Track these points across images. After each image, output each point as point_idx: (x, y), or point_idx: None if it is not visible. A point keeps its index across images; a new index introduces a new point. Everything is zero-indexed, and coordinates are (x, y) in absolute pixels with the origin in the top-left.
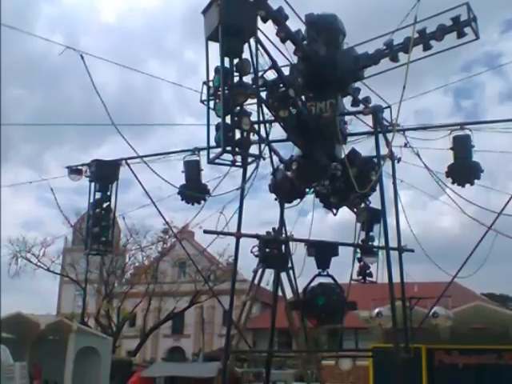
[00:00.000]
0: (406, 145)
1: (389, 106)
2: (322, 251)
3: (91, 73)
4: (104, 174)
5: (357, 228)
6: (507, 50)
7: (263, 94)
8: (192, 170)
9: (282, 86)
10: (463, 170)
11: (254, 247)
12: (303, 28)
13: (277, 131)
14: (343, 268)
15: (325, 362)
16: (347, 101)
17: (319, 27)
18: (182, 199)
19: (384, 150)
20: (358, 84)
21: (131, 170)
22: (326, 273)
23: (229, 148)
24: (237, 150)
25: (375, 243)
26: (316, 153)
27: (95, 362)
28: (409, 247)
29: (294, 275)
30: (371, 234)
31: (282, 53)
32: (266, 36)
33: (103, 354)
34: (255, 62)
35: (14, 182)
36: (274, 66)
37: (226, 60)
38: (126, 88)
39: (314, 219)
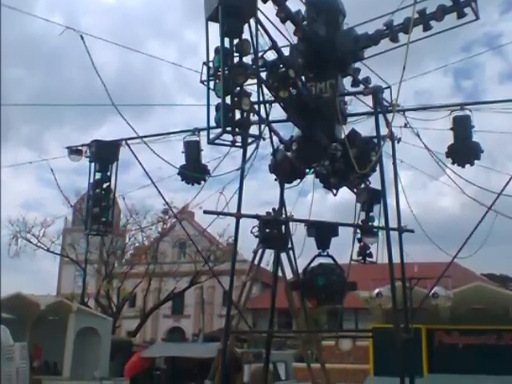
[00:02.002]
0: (405, 125)
1: (389, 87)
2: (322, 232)
3: (91, 53)
4: (104, 154)
5: (357, 208)
6: (507, 31)
7: (263, 75)
8: (192, 150)
9: (281, 66)
10: (463, 150)
11: (254, 227)
12: (303, 8)
13: (277, 112)
14: (343, 248)
15: (325, 343)
16: (347, 81)
17: (319, 8)
18: (182, 179)
19: (384, 131)
20: (357, 64)
21: (131, 150)
22: (325, 253)
23: (229, 128)
24: (237, 130)
25: (375, 223)
26: (316, 133)
27: (95, 342)
28: (409, 227)
29: (293, 255)
30: (371, 214)
31: (281, 33)
32: (266, 16)
33: (103, 335)
34: (255, 43)
35: (13, 162)
36: (274, 46)
37: (226, 40)
38: (126, 68)
39: (313, 200)
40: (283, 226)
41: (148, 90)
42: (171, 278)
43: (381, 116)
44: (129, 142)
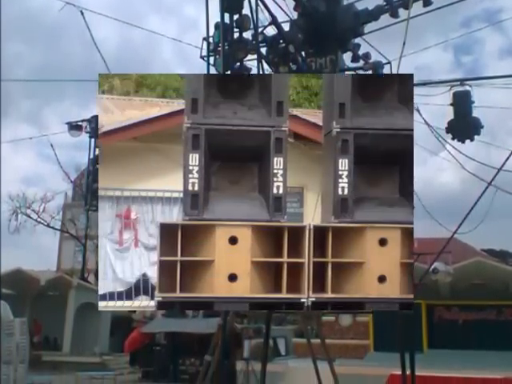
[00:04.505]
0: None
1: (389, 62)
2: None
3: (91, 28)
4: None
5: None
6: (507, 6)
7: (263, 50)
8: None
9: (281, 41)
10: (463, 125)
11: None
12: None
13: None
14: None
15: (325, 318)
16: (347, 57)
17: None
18: None
19: None
20: (357, 40)
21: None
22: None
23: None
24: None
25: None
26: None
27: (95, 317)
28: None
29: None
30: None
31: (281, 8)
32: None
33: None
34: (255, 18)
35: (13, 137)
36: (274, 21)
37: (226, 16)
38: (126, 44)
39: None
40: None
41: (148, 65)
42: None
43: None
44: None
